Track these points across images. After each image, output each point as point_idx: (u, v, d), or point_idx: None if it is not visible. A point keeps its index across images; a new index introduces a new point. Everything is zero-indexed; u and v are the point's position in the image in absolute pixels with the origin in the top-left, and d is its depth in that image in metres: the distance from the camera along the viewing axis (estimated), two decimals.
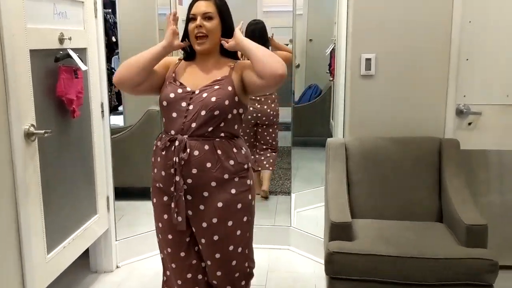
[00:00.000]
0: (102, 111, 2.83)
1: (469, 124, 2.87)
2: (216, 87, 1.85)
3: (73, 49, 2.45)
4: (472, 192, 2.63)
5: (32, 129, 2.11)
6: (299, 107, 5.96)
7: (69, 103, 2.39)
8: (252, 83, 1.83)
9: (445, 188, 2.62)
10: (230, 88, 1.85)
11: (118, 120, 4.38)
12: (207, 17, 1.88)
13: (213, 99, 1.82)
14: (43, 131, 2.13)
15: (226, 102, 1.84)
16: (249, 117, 4.19)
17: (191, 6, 1.92)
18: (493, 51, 2.79)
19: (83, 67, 2.42)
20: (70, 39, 2.40)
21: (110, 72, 4.16)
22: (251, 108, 4.16)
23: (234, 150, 1.89)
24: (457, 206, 2.45)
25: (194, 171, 1.82)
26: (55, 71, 2.31)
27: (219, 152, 1.84)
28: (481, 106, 2.84)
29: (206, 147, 1.83)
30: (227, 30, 1.92)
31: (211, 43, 1.90)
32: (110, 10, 4.23)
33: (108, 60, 4.30)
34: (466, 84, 2.82)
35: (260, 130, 4.34)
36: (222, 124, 1.85)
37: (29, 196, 2.12)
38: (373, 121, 2.85)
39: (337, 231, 2.35)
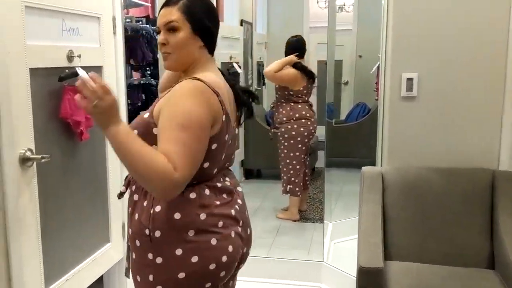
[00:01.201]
0: None
1: None
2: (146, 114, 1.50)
3: (86, 67, 2.29)
4: None
5: (28, 153, 1.95)
6: (344, 126, 5.67)
7: (75, 125, 2.22)
8: None
9: (498, 229, 2.25)
10: (146, 116, 1.49)
11: None
12: (170, 28, 1.50)
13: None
14: (40, 156, 1.97)
15: (135, 132, 1.46)
16: (306, 134, 4.01)
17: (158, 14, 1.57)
18: None
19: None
20: (79, 56, 2.24)
21: (148, 84, 4.07)
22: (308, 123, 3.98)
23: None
24: None
25: None
26: (61, 91, 2.15)
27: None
28: None
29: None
30: (206, 35, 1.54)
31: (178, 61, 1.53)
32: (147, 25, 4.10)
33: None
34: None
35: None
36: None
37: (23, 226, 1.95)
38: (415, 149, 2.52)
39: (367, 277, 2.03)
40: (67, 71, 2.17)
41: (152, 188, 1.37)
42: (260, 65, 6.04)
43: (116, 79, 2.64)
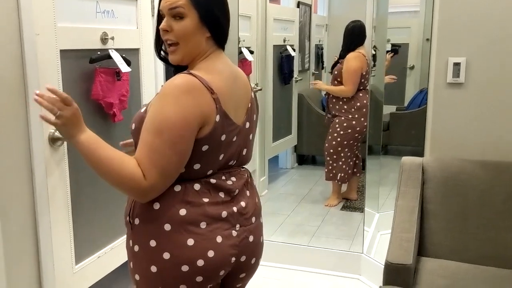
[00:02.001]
0: None
1: None
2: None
3: (122, 50, 2.32)
4: None
5: (57, 133, 2.00)
6: (405, 113, 5.43)
7: (108, 107, 2.26)
8: None
9: None
10: (142, 110, 1.43)
11: None
12: (176, 14, 1.36)
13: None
14: None
15: (133, 126, 1.44)
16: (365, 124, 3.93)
17: None
18: None
19: (124, 68, 2.27)
20: (113, 39, 2.27)
21: None
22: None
23: None
24: None
25: None
26: (93, 72, 2.19)
27: None
28: None
29: None
30: (214, 26, 1.40)
31: (184, 52, 1.40)
32: None
33: None
34: None
35: None
36: None
37: (53, 203, 2.02)
38: (460, 139, 2.33)
39: (393, 274, 1.92)
40: (99, 53, 2.20)
41: (125, 193, 1.36)
42: (319, 48, 5.89)
43: (154, 61, 2.65)
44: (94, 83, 2.18)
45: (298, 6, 5.07)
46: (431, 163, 2.31)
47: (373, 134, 3.77)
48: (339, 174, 4.01)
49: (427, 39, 6.26)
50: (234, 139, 1.42)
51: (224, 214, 1.40)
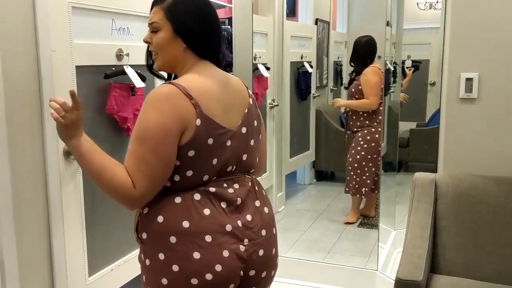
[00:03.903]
0: None
1: None
2: None
3: (137, 66, 2.37)
4: None
5: None
6: (425, 129, 5.39)
7: (122, 121, 2.30)
8: None
9: None
10: None
11: None
12: (152, 29, 1.50)
13: None
14: None
15: None
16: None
17: None
18: None
19: (139, 84, 2.32)
20: (128, 55, 2.33)
21: None
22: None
23: None
24: None
25: None
26: (107, 88, 2.24)
27: None
28: None
29: None
30: (189, 37, 1.47)
31: (161, 60, 1.51)
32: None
33: None
34: None
35: None
36: None
37: (67, 216, 2.06)
38: (473, 155, 2.31)
39: None
40: (113, 69, 2.26)
41: (114, 201, 1.41)
42: (338, 65, 5.90)
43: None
44: (108, 98, 2.24)
45: (316, 23, 5.11)
46: (444, 179, 2.29)
47: (390, 151, 3.76)
48: (364, 188, 3.97)
49: None
50: (228, 143, 1.45)
51: (229, 227, 1.40)
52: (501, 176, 2.21)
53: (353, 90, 3.99)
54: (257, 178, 1.63)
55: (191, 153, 1.38)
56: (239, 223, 1.43)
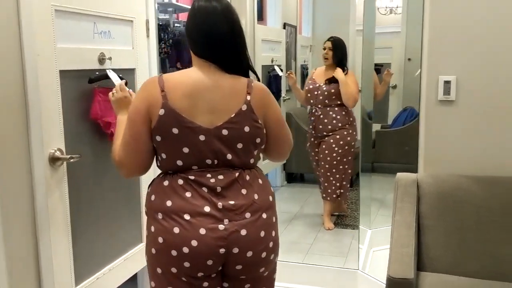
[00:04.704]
0: None
1: None
2: None
3: (118, 70, 2.33)
4: None
5: (58, 153, 1.99)
6: (390, 131, 5.52)
7: (106, 127, 2.26)
8: None
9: None
10: None
11: None
12: None
13: None
14: (68, 156, 2.01)
15: None
16: (357, 137, 3.99)
17: None
18: None
19: None
20: (110, 59, 2.28)
21: None
22: None
23: None
24: None
25: None
26: (91, 92, 2.20)
27: None
28: None
29: None
30: (189, 42, 1.75)
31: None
32: None
33: None
34: None
35: None
36: None
37: (53, 224, 2.00)
38: (453, 155, 2.39)
39: None
40: (97, 73, 2.21)
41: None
42: (304, 68, 5.98)
43: None
44: (93, 102, 2.19)
45: (284, 27, 5.17)
46: (426, 179, 2.36)
47: (363, 152, 3.82)
48: (340, 190, 3.99)
49: (409, 59, 6.41)
50: (202, 138, 1.58)
51: (207, 209, 1.56)
52: (482, 175, 2.30)
53: (332, 91, 3.92)
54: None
55: (158, 138, 1.60)
56: (219, 205, 1.57)
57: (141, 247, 2.65)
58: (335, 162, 3.94)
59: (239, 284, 1.67)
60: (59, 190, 2.04)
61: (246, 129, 1.62)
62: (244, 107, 1.61)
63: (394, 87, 6.05)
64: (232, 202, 1.58)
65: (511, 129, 2.31)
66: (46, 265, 1.97)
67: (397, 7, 6.00)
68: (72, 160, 2.02)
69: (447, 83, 2.35)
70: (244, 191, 1.62)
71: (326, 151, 3.96)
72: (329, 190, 3.99)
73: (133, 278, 2.72)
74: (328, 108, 3.95)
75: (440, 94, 2.37)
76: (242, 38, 1.69)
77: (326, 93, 3.94)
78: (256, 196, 1.63)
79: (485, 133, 2.33)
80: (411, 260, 2.04)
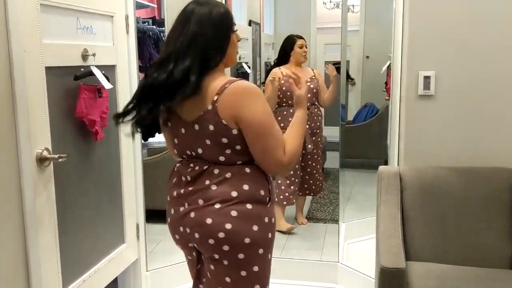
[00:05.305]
0: (133, 132, 2.63)
1: None
2: None
3: (100, 66, 2.27)
4: None
5: (45, 153, 1.92)
6: (352, 127, 5.63)
7: (91, 125, 2.20)
8: None
9: None
10: None
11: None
12: None
13: None
14: (57, 156, 1.94)
15: None
16: None
17: None
18: None
19: (107, 85, 2.23)
20: (94, 55, 2.22)
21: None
22: None
23: None
24: None
25: None
26: (76, 90, 2.13)
27: None
28: None
29: None
30: None
31: None
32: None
33: None
34: None
35: None
36: None
37: (41, 226, 1.93)
38: (433, 148, 2.48)
39: (389, 278, 2.00)
40: (82, 70, 2.15)
41: None
42: (268, 65, 6.00)
43: (129, 78, 2.61)
44: (78, 100, 2.13)
45: (249, 25, 5.17)
46: (408, 172, 2.43)
47: (335, 148, 3.88)
48: (288, 194, 3.88)
49: (367, 57, 6.54)
50: (183, 131, 1.72)
51: (176, 194, 1.77)
52: (461, 166, 2.39)
53: (314, 91, 3.88)
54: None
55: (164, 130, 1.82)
56: (182, 191, 1.75)
57: (123, 248, 2.60)
58: (320, 160, 4.00)
59: (206, 263, 1.79)
60: (47, 191, 1.97)
61: (211, 127, 1.65)
62: (210, 107, 1.64)
63: (353, 84, 6.19)
64: (190, 188, 1.73)
65: (487, 121, 2.42)
66: (35, 269, 1.91)
67: (353, 6, 6.12)
68: (60, 160, 1.95)
69: (426, 78, 2.44)
70: (207, 182, 1.71)
71: (314, 150, 3.92)
72: (314, 187, 4.02)
73: (114, 281, 2.67)
74: (313, 106, 3.89)
75: (420, 89, 2.45)
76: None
77: (309, 93, 3.93)
78: (214, 187, 1.70)
79: (463, 126, 2.43)
80: (400, 251, 2.11)
